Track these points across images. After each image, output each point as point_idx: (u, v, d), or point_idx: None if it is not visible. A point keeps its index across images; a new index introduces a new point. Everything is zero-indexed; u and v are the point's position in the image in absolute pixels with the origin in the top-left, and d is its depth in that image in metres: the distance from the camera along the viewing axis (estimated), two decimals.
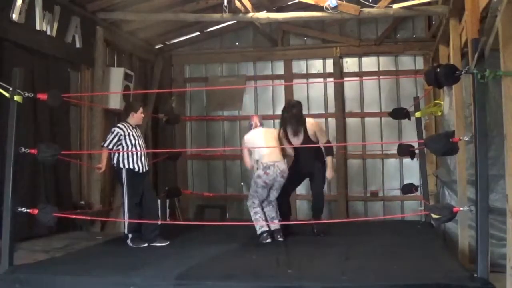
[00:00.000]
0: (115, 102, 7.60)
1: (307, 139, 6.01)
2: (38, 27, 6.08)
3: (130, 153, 5.54)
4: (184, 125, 9.65)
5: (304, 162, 6.06)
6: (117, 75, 7.66)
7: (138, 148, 5.63)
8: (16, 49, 5.85)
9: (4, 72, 5.23)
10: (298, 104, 6.09)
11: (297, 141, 6.03)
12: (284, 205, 6.16)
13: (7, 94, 4.39)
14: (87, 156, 7.18)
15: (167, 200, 8.44)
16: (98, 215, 7.00)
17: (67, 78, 6.99)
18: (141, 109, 5.83)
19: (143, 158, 5.66)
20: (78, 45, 6.91)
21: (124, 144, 5.59)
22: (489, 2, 3.89)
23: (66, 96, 5.67)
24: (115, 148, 5.59)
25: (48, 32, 6.30)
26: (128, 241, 5.47)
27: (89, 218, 6.60)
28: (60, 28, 6.48)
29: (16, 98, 4.37)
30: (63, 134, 6.74)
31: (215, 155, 9.59)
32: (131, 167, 5.56)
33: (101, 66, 7.41)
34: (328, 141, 6.21)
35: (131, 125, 5.72)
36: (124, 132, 5.60)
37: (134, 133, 5.69)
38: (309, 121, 6.11)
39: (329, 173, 6.11)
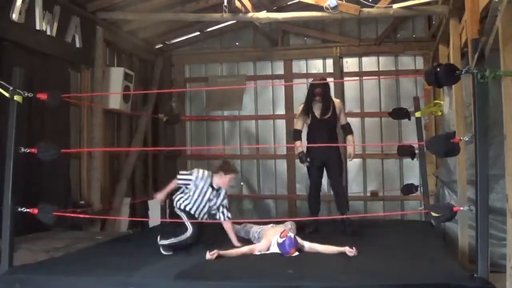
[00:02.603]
0: (115, 102, 7.61)
1: (333, 116, 6.20)
2: (38, 27, 6.08)
3: (182, 199, 5.23)
4: (184, 125, 9.65)
5: (319, 143, 5.98)
6: (117, 75, 7.66)
7: (191, 205, 5.18)
8: (16, 49, 5.84)
9: (4, 72, 5.22)
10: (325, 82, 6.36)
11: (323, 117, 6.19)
12: (316, 201, 6.30)
13: (7, 94, 4.39)
14: (87, 155, 7.18)
15: (167, 200, 8.43)
16: (98, 215, 7.00)
17: (67, 78, 6.99)
18: (231, 176, 5.23)
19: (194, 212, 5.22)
20: (78, 45, 6.91)
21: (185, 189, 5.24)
22: (489, 2, 3.89)
23: (66, 96, 5.66)
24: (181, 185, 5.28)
25: (48, 32, 6.29)
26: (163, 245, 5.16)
27: (89, 216, 6.60)
28: (60, 28, 6.48)
29: (16, 98, 4.37)
30: (62, 134, 6.74)
31: (215, 155, 9.59)
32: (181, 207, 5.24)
33: (101, 66, 7.41)
34: (348, 123, 6.37)
35: (212, 182, 5.20)
36: (196, 183, 5.16)
37: (204, 190, 5.16)
38: (335, 100, 6.37)
39: (352, 152, 6.22)
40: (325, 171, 6.29)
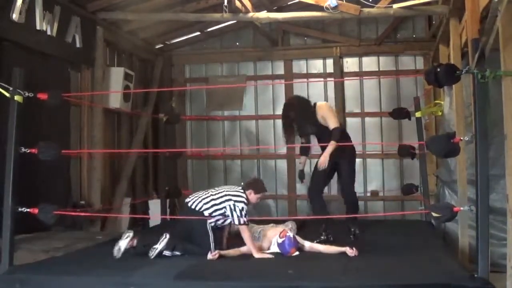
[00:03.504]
0: (115, 101, 7.61)
1: (319, 127, 5.70)
2: (38, 27, 6.08)
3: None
4: (184, 125, 9.66)
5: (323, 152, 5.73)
6: (117, 75, 7.66)
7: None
8: (16, 49, 5.84)
9: (4, 72, 5.22)
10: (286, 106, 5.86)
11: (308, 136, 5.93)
12: (316, 202, 5.81)
13: (7, 94, 4.39)
14: (87, 155, 7.18)
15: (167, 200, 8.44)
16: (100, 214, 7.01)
17: (67, 78, 6.99)
18: (261, 195, 5.19)
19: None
20: (78, 45, 6.91)
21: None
22: (490, 2, 3.88)
23: (67, 96, 5.66)
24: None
25: (48, 32, 6.29)
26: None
27: (89, 215, 6.61)
28: (60, 28, 6.48)
29: (17, 98, 4.38)
30: (62, 134, 6.74)
31: (215, 154, 9.60)
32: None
33: (101, 66, 7.40)
34: (337, 127, 5.63)
35: (249, 203, 5.10)
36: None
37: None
38: (319, 105, 5.78)
39: (321, 159, 5.54)
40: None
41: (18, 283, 4.05)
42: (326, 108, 5.79)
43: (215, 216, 4.98)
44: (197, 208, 5.00)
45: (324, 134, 5.74)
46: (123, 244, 4.81)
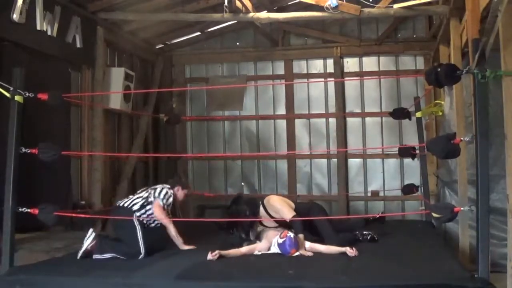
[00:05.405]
0: (115, 102, 7.61)
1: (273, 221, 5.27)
2: (38, 27, 6.08)
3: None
4: (185, 125, 9.66)
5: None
6: (117, 75, 7.67)
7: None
8: (16, 49, 5.84)
9: (4, 72, 5.22)
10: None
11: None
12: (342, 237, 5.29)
13: (7, 94, 4.40)
14: (88, 156, 7.18)
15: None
16: (99, 215, 7.00)
17: (68, 78, 6.99)
18: (187, 191, 5.42)
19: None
20: (78, 45, 6.91)
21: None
22: (490, 2, 3.88)
23: (67, 96, 5.65)
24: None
25: (49, 32, 6.29)
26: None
27: (89, 216, 6.60)
28: (60, 28, 6.48)
29: (17, 98, 4.38)
30: (63, 134, 6.74)
31: (216, 155, 9.60)
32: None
33: (101, 66, 7.41)
34: (294, 216, 5.08)
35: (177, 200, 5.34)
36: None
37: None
38: (268, 200, 5.38)
39: (304, 251, 4.90)
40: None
41: (19, 284, 4.05)
42: (272, 203, 5.33)
43: (144, 209, 5.04)
44: (125, 205, 5.07)
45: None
46: (85, 244, 4.84)
